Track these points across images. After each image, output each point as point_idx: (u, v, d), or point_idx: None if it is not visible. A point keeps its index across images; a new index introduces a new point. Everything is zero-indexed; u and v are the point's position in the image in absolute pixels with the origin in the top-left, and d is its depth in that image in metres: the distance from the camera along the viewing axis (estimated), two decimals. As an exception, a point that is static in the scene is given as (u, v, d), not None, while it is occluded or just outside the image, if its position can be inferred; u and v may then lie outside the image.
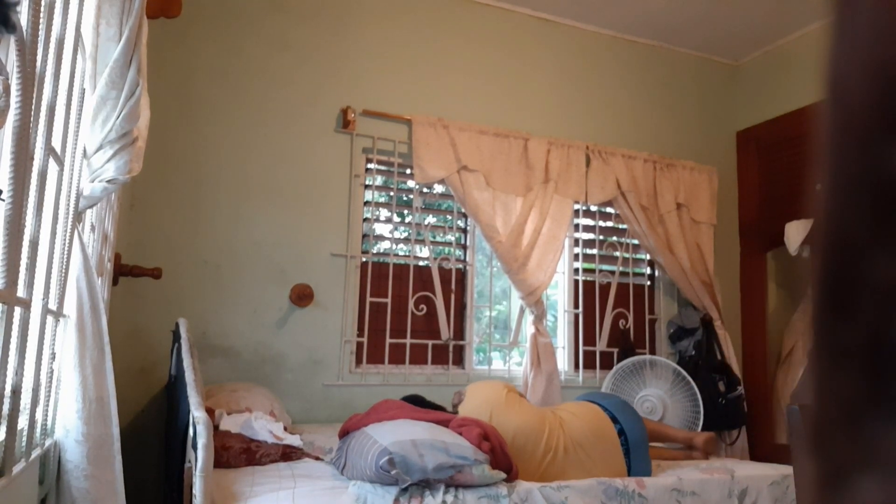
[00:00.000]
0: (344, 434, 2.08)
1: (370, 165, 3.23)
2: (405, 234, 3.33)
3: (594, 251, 3.62)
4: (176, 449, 1.85)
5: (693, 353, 3.56)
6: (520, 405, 2.20)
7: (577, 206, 3.52)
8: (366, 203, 3.19)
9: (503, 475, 1.83)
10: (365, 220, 3.17)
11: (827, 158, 0.19)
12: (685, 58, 4.00)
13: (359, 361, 3.08)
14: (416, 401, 2.29)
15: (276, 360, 2.89)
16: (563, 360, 3.49)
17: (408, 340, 3.14)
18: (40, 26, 0.99)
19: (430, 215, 3.34)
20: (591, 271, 3.61)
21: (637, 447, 2.20)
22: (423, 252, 3.27)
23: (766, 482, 2.22)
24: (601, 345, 3.51)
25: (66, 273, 1.43)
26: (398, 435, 1.79)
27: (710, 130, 4.00)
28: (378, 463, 1.69)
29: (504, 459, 1.87)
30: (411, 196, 3.30)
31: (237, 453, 2.04)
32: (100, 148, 1.46)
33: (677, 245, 3.60)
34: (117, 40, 1.40)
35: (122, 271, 2.51)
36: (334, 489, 1.78)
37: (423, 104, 3.29)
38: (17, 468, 1.11)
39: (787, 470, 2.30)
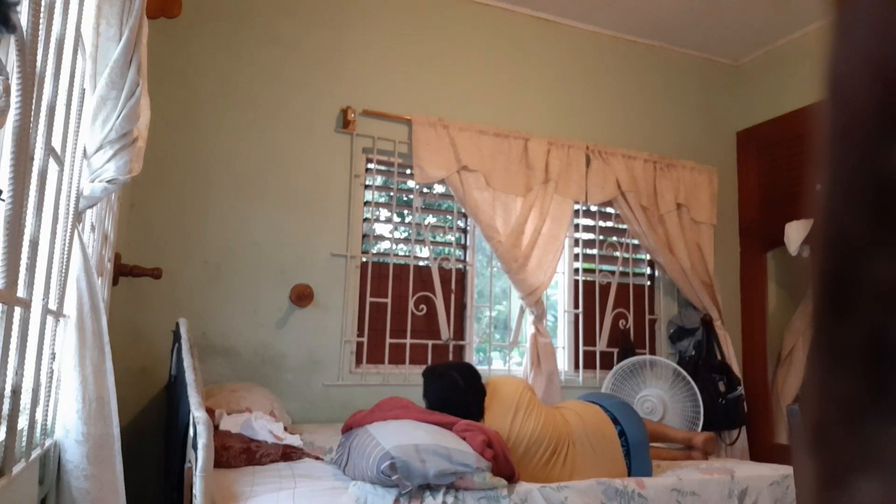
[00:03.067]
0: (347, 430, 2.07)
1: (370, 165, 3.23)
2: (405, 234, 3.33)
3: (594, 251, 3.62)
4: (176, 449, 1.85)
5: (693, 353, 3.56)
6: (538, 409, 2.17)
7: (577, 206, 3.52)
8: (366, 203, 3.19)
9: (504, 482, 1.82)
10: (365, 220, 3.17)
11: (827, 158, 0.19)
12: (685, 58, 4.00)
13: (359, 361, 3.08)
14: (452, 375, 2.22)
15: (276, 360, 2.89)
16: (563, 361, 3.49)
17: (408, 340, 3.14)
18: (40, 26, 0.99)
19: (430, 215, 3.34)
20: (591, 271, 3.61)
21: (637, 448, 2.20)
22: (423, 252, 3.27)
23: (766, 482, 2.22)
24: (601, 345, 3.51)
25: (66, 273, 1.42)
26: (401, 438, 1.78)
27: (710, 130, 4.00)
28: (379, 467, 1.68)
29: (506, 466, 1.86)
30: (411, 196, 3.30)
31: (237, 453, 2.04)
32: (100, 148, 1.46)
33: (677, 245, 3.60)
34: (117, 40, 1.40)
35: (122, 271, 2.51)
36: (334, 489, 1.78)
37: (423, 104, 3.29)
38: (17, 468, 1.11)
39: (787, 470, 2.30)
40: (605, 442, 2.17)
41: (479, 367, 3.28)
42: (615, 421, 2.26)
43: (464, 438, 1.87)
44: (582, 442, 2.14)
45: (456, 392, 2.16)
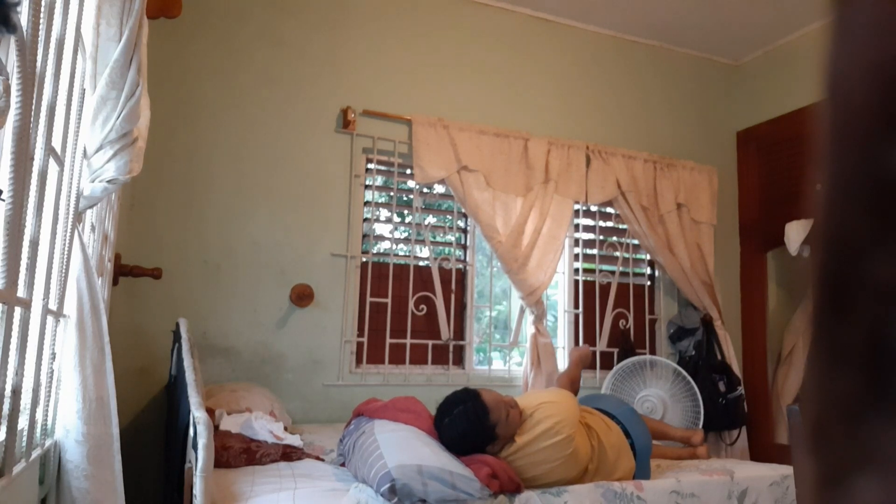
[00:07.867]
0: (357, 415, 2.06)
1: (370, 165, 3.23)
2: (405, 234, 3.33)
3: (594, 251, 3.62)
4: (176, 449, 1.85)
5: (693, 353, 3.56)
6: (583, 451, 2.01)
7: (577, 206, 3.52)
8: (366, 203, 3.19)
9: (506, 500, 1.80)
10: (365, 220, 3.17)
11: (827, 158, 0.19)
12: (685, 58, 4.00)
13: (359, 361, 3.08)
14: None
15: (276, 360, 2.89)
16: (563, 361, 3.48)
17: (408, 340, 3.14)
18: (40, 26, 0.99)
19: (430, 215, 3.34)
20: (591, 271, 3.61)
21: (642, 456, 2.19)
22: (424, 252, 3.27)
23: (766, 483, 2.21)
24: (601, 345, 3.51)
25: (67, 273, 1.42)
26: (405, 456, 1.74)
27: (710, 130, 4.00)
28: (379, 489, 1.67)
29: (511, 487, 1.82)
30: (411, 196, 3.30)
31: (237, 453, 2.04)
32: (100, 148, 1.46)
33: (677, 245, 3.60)
34: (117, 40, 1.40)
35: (122, 271, 2.51)
36: (335, 490, 1.78)
37: (423, 104, 3.29)
38: (17, 468, 1.11)
39: (787, 470, 2.30)
40: (623, 460, 2.15)
41: (479, 368, 3.30)
42: (627, 434, 2.23)
43: (469, 466, 1.83)
44: (601, 466, 2.10)
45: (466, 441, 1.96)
